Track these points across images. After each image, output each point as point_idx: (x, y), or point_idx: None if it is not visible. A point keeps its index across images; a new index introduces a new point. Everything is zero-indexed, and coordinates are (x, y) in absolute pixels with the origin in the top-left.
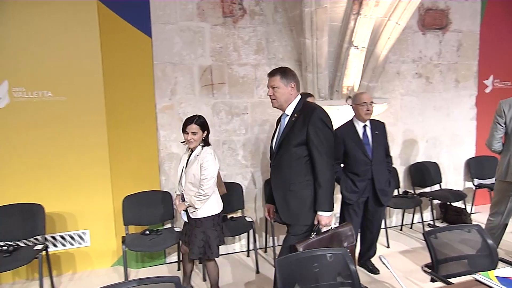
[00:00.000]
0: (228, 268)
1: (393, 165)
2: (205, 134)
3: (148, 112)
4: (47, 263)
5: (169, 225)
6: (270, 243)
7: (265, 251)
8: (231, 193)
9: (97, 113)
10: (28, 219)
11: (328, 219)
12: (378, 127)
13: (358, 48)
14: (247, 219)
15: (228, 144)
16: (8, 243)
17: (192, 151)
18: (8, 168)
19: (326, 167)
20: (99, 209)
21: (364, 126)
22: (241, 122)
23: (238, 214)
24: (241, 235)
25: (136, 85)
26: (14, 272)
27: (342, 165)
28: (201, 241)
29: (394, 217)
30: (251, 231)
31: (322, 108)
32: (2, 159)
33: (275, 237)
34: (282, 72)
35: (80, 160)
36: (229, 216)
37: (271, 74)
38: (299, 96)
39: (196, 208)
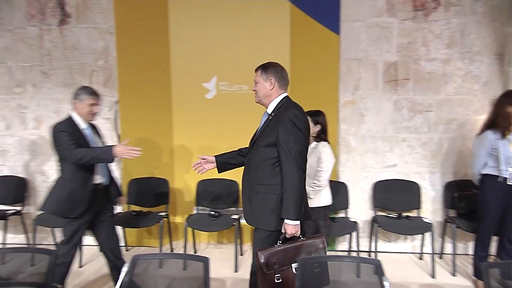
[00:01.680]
0: (398, 266)
1: None
2: (317, 128)
3: (330, 106)
4: (239, 231)
5: (342, 214)
6: (448, 250)
7: (440, 257)
8: (406, 192)
9: None
10: (228, 193)
11: (295, 228)
12: None
13: None
14: (425, 220)
15: (407, 141)
16: (214, 210)
17: None
18: (215, 148)
19: (294, 171)
20: None
21: None
22: (423, 119)
23: (414, 213)
24: (415, 235)
25: (321, 80)
26: (209, 235)
27: None
28: (312, 229)
29: None
30: (427, 234)
31: (298, 109)
32: (212, 141)
33: (455, 244)
34: (264, 67)
35: None
36: (404, 214)
37: (256, 69)
38: (284, 95)
39: (310, 198)
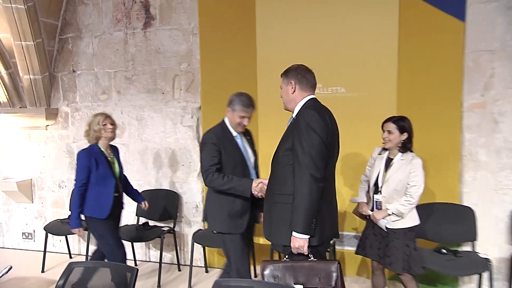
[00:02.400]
0: None
1: None
2: (404, 137)
3: (451, 110)
4: (334, 257)
5: (468, 248)
6: None
7: None
8: None
9: (388, 110)
10: None
11: (299, 243)
12: None
13: None
14: None
15: None
16: None
17: (389, 154)
18: None
19: (304, 179)
20: None
21: None
22: None
23: None
24: None
25: (437, 79)
26: None
27: None
28: (404, 253)
29: None
30: None
31: (318, 109)
32: None
33: None
34: (285, 71)
35: (367, 159)
36: None
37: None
38: (309, 97)
39: (401, 217)
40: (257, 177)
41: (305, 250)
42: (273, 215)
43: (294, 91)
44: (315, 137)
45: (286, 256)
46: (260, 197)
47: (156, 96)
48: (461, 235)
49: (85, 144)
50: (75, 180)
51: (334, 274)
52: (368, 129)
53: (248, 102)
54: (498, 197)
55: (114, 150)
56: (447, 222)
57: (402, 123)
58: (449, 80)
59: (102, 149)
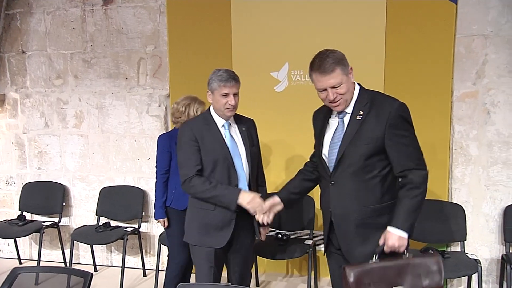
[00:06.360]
0: None
1: None
2: None
3: (440, 100)
4: (314, 261)
5: (457, 248)
6: None
7: None
8: None
9: None
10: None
11: (399, 242)
12: None
13: None
14: None
15: None
16: (282, 232)
17: None
18: (287, 155)
19: (423, 177)
20: None
21: None
22: None
23: None
24: None
25: (426, 66)
26: (276, 264)
27: None
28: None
29: None
30: None
31: (397, 99)
32: (282, 146)
33: None
34: (339, 60)
35: None
36: None
37: (325, 71)
38: (357, 84)
39: None
40: (251, 179)
41: (402, 250)
42: (369, 236)
43: (353, 79)
44: (414, 132)
45: (376, 256)
46: (255, 214)
47: (119, 81)
48: (449, 235)
49: (37, 135)
50: (156, 167)
51: (437, 269)
52: None
53: (227, 76)
54: (489, 194)
55: None
56: (434, 220)
57: None
58: (439, 67)
59: None
